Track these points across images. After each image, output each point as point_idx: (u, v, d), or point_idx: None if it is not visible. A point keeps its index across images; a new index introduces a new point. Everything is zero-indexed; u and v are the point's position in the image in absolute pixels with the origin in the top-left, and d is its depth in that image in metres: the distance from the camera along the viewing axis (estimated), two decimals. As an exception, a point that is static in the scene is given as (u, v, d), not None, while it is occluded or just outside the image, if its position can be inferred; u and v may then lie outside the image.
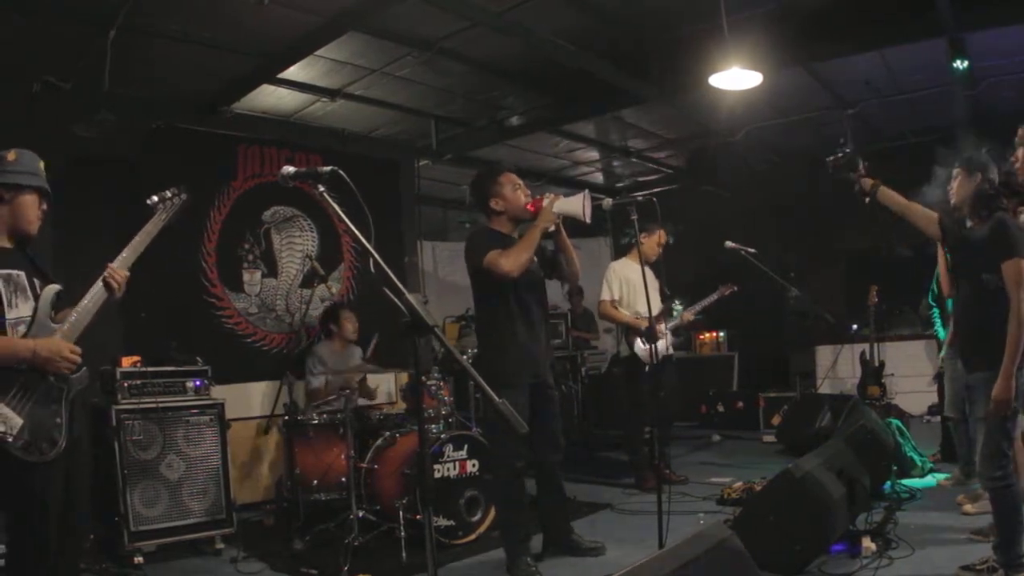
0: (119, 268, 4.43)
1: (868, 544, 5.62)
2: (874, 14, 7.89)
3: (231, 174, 9.42)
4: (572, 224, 6.16)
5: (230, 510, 7.26)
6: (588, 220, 5.85)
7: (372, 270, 3.19)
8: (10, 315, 4.12)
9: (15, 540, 4.15)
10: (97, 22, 6.88)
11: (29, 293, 4.26)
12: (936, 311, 8.48)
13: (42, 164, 4.49)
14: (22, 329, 4.14)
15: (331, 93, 9.23)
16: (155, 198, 4.71)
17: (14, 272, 4.23)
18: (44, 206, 4.49)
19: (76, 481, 4.37)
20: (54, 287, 4.34)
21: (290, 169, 3.53)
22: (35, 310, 4.21)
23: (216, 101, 9.04)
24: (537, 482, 6.44)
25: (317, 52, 7.91)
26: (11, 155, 4.37)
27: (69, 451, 4.16)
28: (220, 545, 7.18)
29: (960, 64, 8.50)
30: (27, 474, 3.99)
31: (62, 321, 4.25)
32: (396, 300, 3.18)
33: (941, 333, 8.35)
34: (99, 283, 4.35)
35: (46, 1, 6.59)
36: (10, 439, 3.87)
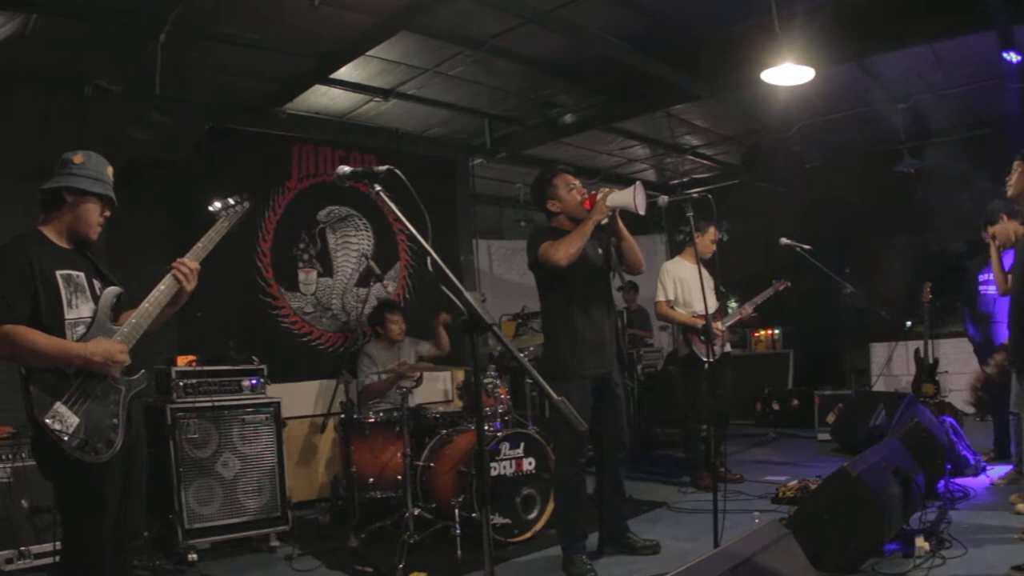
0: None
1: (921, 543, 5.53)
2: (924, 7, 7.79)
3: (286, 174, 9.49)
4: (627, 221, 6.15)
5: (285, 508, 7.30)
6: (641, 211, 5.83)
7: (430, 269, 3.18)
8: (70, 315, 4.14)
9: (69, 540, 4.18)
10: (147, 26, 6.94)
11: (89, 294, 4.28)
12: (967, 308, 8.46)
13: (110, 170, 4.53)
14: (81, 330, 4.16)
15: (384, 93, 9.24)
16: (218, 204, 4.72)
17: (74, 273, 4.25)
18: (106, 213, 4.51)
19: (134, 482, 4.40)
20: (115, 289, 4.39)
21: (346, 169, 3.53)
22: (95, 311, 4.23)
23: (270, 102, 9.08)
24: (597, 479, 6.44)
25: (369, 52, 7.92)
26: (78, 157, 4.38)
27: (127, 451, 4.20)
28: (275, 543, 7.24)
29: (1011, 57, 8.40)
30: (83, 474, 4.02)
31: (122, 323, 4.28)
32: (455, 298, 3.18)
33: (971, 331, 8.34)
34: (162, 283, 4.38)
35: (95, 6, 6.65)
36: (65, 438, 3.90)
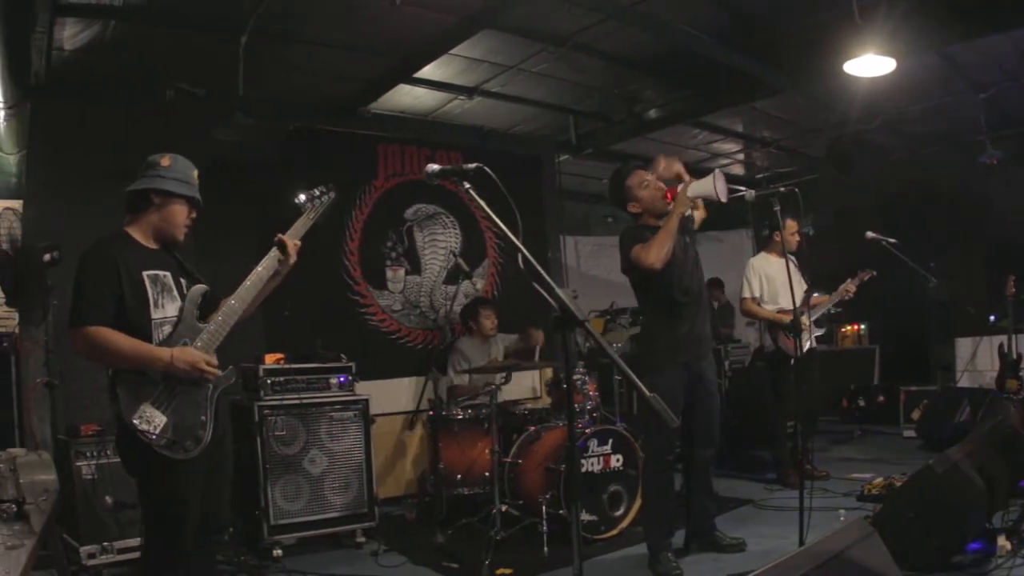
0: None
1: (1003, 543, 5.43)
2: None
3: (372, 173, 9.56)
4: (713, 216, 6.11)
5: (372, 504, 7.35)
6: (724, 199, 5.76)
7: (521, 266, 3.18)
8: (156, 315, 4.19)
9: (153, 536, 4.25)
10: (228, 29, 7.04)
11: (175, 293, 4.32)
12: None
13: (195, 172, 4.59)
14: (168, 329, 4.22)
15: (468, 91, 9.26)
16: (303, 196, 4.80)
17: (160, 273, 4.30)
18: (193, 214, 4.57)
19: (218, 478, 4.47)
20: (201, 287, 4.44)
21: (435, 167, 3.53)
22: (181, 310, 4.29)
23: (354, 102, 9.16)
24: (686, 476, 6.41)
25: (452, 51, 7.95)
26: (165, 160, 4.45)
27: (212, 447, 4.25)
28: (361, 539, 7.29)
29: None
30: (170, 472, 4.08)
31: (209, 321, 4.34)
32: (546, 294, 3.18)
33: None
34: (262, 263, 4.50)
35: (175, 12, 6.76)
36: (154, 437, 3.96)
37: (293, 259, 4.57)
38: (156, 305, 4.21)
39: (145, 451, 3.98)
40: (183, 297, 4.35)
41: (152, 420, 3.99)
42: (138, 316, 4.13)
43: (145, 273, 4.22)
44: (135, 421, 3.95)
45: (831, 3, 7.47)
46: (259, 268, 4.50)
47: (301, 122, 8.95)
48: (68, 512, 6.07)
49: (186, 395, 4.16)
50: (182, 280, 4.41)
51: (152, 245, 4.41)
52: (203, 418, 4.20)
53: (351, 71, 8.40)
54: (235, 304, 4.39)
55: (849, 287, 8.76)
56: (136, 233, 4.38)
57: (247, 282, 4.44)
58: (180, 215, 4.48)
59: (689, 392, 6.07)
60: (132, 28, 6.91)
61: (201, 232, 8.00)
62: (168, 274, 4.35)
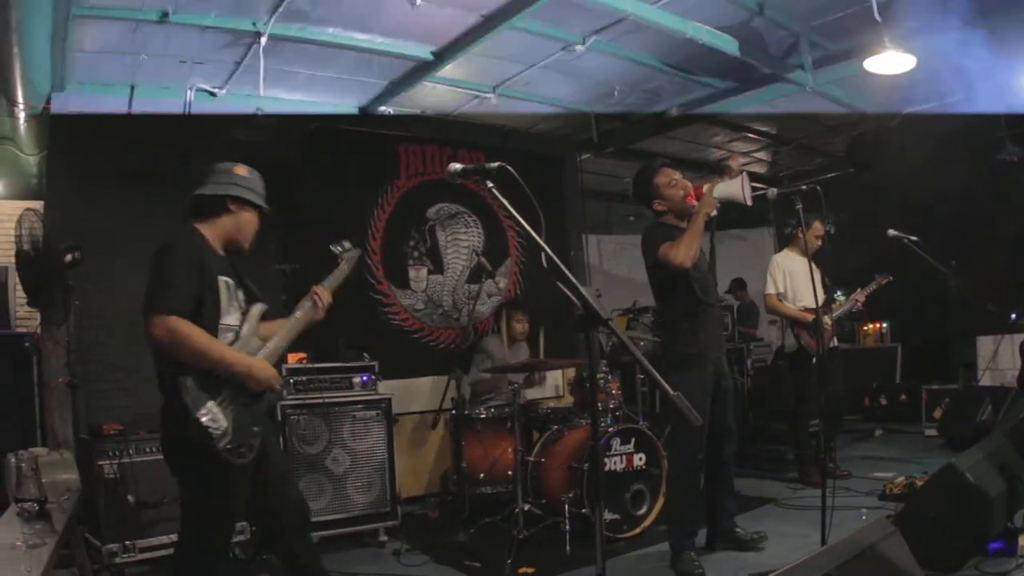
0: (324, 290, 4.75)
1: (1024, 543, 5.44)
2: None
3: (393, 172, 9.57)
4: (736, 215, 6.10)
5: (395, 503, 7.37)
6: (749, 202, 5.79)
7: (544, 264, 3.18)
8: (223, 320, 4.26)
9: (196, 534, 4.26)
10: (248, 29, 7.05)
11: (235, 303, 4.38)
12: None
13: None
14: (230, 336, 4.29)
15: (489, 90, 9.26)
16: (338, 247, 5.01)
17: (229, 280, 4.37)
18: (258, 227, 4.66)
19: (277, 463, 4.58)
20: (261, 306, 4.51)
21: (457, 166, 3.52)
22: (242, 322, 4.37)
23: (375, 101, 9.15)
24: (707, 474, 6.38)
25: (473, 50, 7.92)
26: (242, 170, 4.59)
27: (257, 458, 4.28)
28: (383, 537, 7.30)
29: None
30: (224, 474, 4.11)
31: (266, 338, 4.46)
32: (570, 293, 3.17)
33: None
34: (299, 310, 4.65)
35: (196, 10, 6.77)
36: (218, 434, 3.99)
37: (322, 316, 4.74)
38: (225, 312, 4.28)
39: (202, 449, 4.00)
40: (241, 308, 4.43)
41: (216, 419, 4.02)
42: (210, 319, 4.17)
43: (220, 278, 4.28)
44: (202, 417, 3.98)
45: (851, 1, 7.45)
46: (297, 315, 4.63)
47: (322, 122, 8.96)
48: (90, 511, 6.11)
49: (247, 404, 4.23)
50: (240, 292, 4.47)
51: (220, 251, 4.47)
52: (255, 429, 4.26)
53: (372, 70, 8.39)
54: (281, 344, 4.53)
55: (859, 296, 8.77)
56: (208, 236, 4.43)
57: (284, 329, 4.56)
58: (252, 224, 4.61)
59: (710, 390, 6.08)
60: (152, 28, 6.92)
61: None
62: (232, 283, 4.41)
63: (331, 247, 4.95)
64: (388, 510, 7.32)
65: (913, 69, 7.79)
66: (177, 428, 4.04)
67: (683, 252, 5.79)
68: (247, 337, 4.35)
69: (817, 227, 8.46)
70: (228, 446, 4.03)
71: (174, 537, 6.25)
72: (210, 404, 4.02)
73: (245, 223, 4.55)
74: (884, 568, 3.45)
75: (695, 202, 6.01)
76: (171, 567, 4.40)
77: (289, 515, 4.51)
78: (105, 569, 6.07)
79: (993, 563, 5.27)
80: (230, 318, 4.31)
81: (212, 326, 4.15)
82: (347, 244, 5.00)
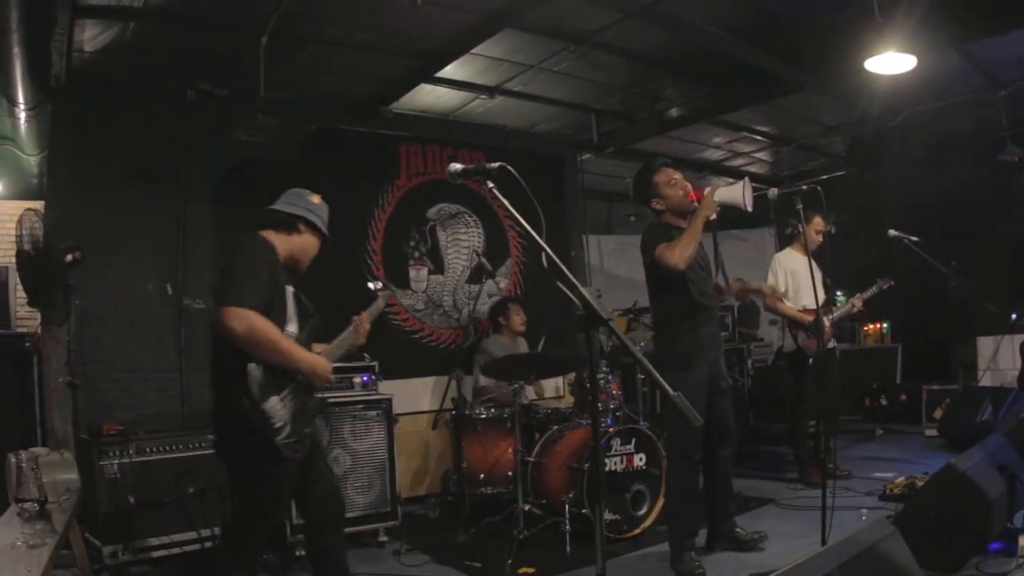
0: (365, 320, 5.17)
1: (1024, 543, 5.44)
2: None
3: (394, 173, 9.57)
4: (736, 215, 6.11)
5: (395, 503, 7.35)
6: (749, 208, 5.79)
7: (545, 265, 3.19)
8: (287, 327, 4.50)
9: (241, 525, 4.51)
10: (248, 30, 7.05)
11: (295, 314, 4.64)
12: None
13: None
14: None
15: (489, 90, 9.25)
16: (372, 286, 5.55)
17: (292, 290, 4.67)
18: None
19: (322, 466, 4.91)
20: (318, 321, 4.85)
21: (458, 166, 3.54)
22: (300, 332, 4.64)
23: (376, 102, 9.15)
24: (706, 474, 6.39)
25: (473, 50, 7.94)
26: (316, 198, 4.93)
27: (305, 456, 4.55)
28: (384, 538, 7.29)
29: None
30: (279, 466, 4.35)
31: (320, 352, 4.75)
32: (570, 294, 3.18)
33: None
34: (345, 333, 5.06)
35: (194, 13, 6.77)
36: (279, 426, 4.25)
37: (362, 342, 5.17)
38: (289, 320, 4.55)
39: (261, 440, 4.22)
40: (298, 319, 4.65)
41: (278, 412, 4.27)
42: (277, 322, 4.37)
43: (288, 288, 4.60)
44: (268, 411, 4.22)
45: (851, 0, 7.46)
46: (345, 335, 5.06)
47: (323, 122, 8.95)
48: (90, 511, 6.10)
49: (304, 402, 4.49)
50: (296, 305, 4.70)
51: (283, 263, 4.69)
52: (307, 430, 4.52)
53: (372, 71, 8.40)
54: (334, 348, 4.95)
55: (856, 301, 8.76)
56: (277, 247, 4.63)
57: (328, 350, 4.89)
58: (315, 250, 4.93)
59: (709, 390, 6.09)
60: (152, 29, 6.94)
61: (223, 231, 8.11)
62: (292, 295, 4.66)
63: (368, 285, 5.48)
64: (388, 510, 7.30)
65: (914, 69, 7.79)
66: (237, 422, 4.26)
67: (678, 254, 5.80)
68: (304, 345, 4.58)
69: (817, 222, 8.45)
70: (286, 440, 4.26)
71: (174, 537, 6.33)
72: (274, 399, 4.27)
73: (310, 247, 4.86)
74: (884, 568, 3.45)
75: (695, 201, 6.01)
76: (206, 558, 4.62)
77: (327, 510, 4.78)
78: (105, 569, 6.08)
79: (993, 563, 5.27)
80: (292, 326, 4.55)
81: (278, 329, 4.37)
82: (380, 284, 5.51)
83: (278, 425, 4.23)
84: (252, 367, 4.19)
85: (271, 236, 4.64)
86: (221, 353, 4.36)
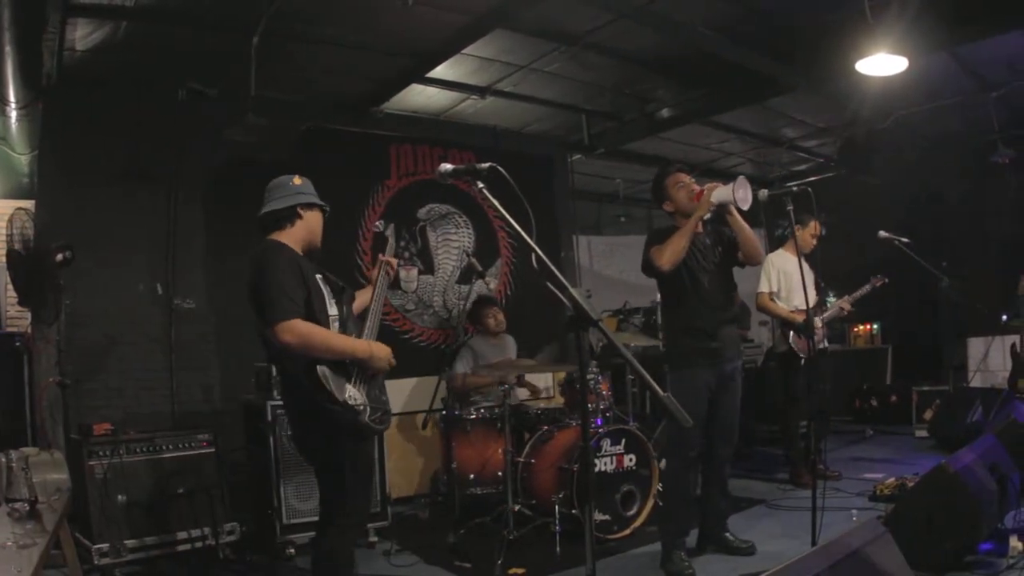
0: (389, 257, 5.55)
1: (1015, 543, 5.40)
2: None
3: (385, 173, 9.57)
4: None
5: (385, 504, 7.37)
6: (744, 206, 5.86)
7: (535, 265, 3.19)
8: (330, 312, 4.71)
9: (347, 501, 4.68)
10: (240, 29, 7.02)
11: (330, 296, 4.83)
12: None
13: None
14: (337, 326, 4.74)
15: (480, 91, 9.26)
16: (378, 227, 5.69)
17: (321, 277, 4.85)
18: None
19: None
20: (350, 292, 5.13)
21: (448, 167, 3.56)
22: (340, 310, 4.85)
23: (366, 102, 9.17)
24: (703, 474, 6.42)
25: (465, 51, 7.95)
26: (297, 180, 5.01)
27: None
28: (374, 538, 7.29)
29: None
30: (367, 442, 4.90)
31: (358, 310, 5.15)
32: (560, 294, 3.18)
33: None
34: (379, 281, 5.41)
35: (186, 12, 6.78)
36: (363, 409, 4.49)
37: (392, 278, 5.64)
38: (328, 304, 4.74)
39: (348, 426, 4.47)
40: (333, 298, 4.86)
41: (357, 398, 4.50)
42: (320, 313, 4.59)
43: (317, 276, 4.77)
44: (348, 399, 4.43)
45: (843, 2, 7.47)
46: (378, 279, 5.44)
47: (314, 122, 8.95)
48: (80, 511, 6.12)
49: (371, 379, 4.73)
50: (327, 285, 4.89)
51: (302, 255, 4.84)
52: (384, 397, 4.83)
53: (364, 71, 8.41)
54: (376, 318, 5.09)
55: (844, 304, 8.80)
56: (289, 244, 4.77)
57: (371, 301, 5.21)
58: (320, 222, 5.03)
59: (717, 389, 6.12)
60: (143, 28, 6.94)
61: (213, 230, 8.11)
62: (322, 278, 4.85)
63: (377, 224, 6.07)
64: (378, 510, 7.29)
65: (906, 71, 7.81)
66: (320, 417, 4.45)
67: (666, 255, 5.89)
68: (347, 321, 4.84)
69: (813, 226, 8.50)
70: (371, 418, 4.54)
71: (164, 537, 6.33)
72: (348, 387, 4.48)
73: (316, 224, 4.97)
74: (874, 569, 3.46)
75: (696, 202, 6.06)
76: (313, 547, 4.90)
77: None
78: (95, 569, 6.07)
79: (984, 564, 5.30)
80: (332, 309, 4.74)
81: (323, 320, 4.58)
82: (381, 224, 5.76)
83: (361, 408, 4.47)
84: (321, 369, 4.34)
85: (281, 237, 4.76)
86: (288, 367, 4.59)
